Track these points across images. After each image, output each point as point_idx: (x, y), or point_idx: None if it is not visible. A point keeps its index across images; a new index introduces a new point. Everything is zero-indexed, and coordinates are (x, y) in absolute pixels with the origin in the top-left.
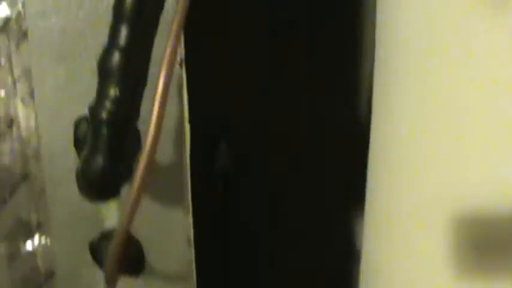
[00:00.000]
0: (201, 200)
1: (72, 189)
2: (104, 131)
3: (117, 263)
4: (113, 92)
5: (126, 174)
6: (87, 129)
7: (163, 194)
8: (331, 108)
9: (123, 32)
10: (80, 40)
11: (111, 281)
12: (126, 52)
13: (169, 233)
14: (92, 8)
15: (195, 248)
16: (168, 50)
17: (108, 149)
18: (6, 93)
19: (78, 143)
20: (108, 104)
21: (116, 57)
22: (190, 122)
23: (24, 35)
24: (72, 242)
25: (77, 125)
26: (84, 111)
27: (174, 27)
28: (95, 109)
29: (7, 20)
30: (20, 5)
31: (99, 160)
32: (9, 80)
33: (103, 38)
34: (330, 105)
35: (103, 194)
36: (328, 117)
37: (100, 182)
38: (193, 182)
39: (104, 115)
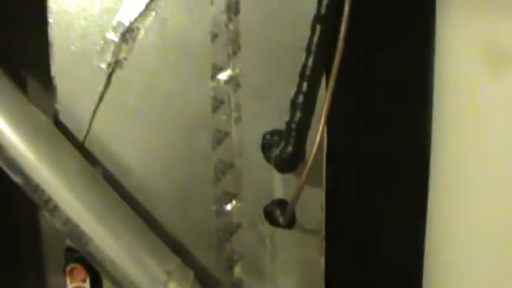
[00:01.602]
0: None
1: (256, 173)
2: (293, 133)
3: (290, 216)
4: (298, 114)
5: (302, 158)
6: (269, 138)
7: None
8: None
9: (308, 72)
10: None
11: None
12: (307, 93)
13: (310, 202)
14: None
15: (326, 213)
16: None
17: (294, 143)
18: (227, 116)
19: (263, 147)
20: (295, 120)
21: (300, 98)
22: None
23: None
24: (253, 206)
25: (264, 136)
26: (266, 124)
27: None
28: (289, 122)
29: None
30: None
31: (290, 149)
32: (229, 112)
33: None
34: None
35: (291, 168)
36: None
37: (290, 161)
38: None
39: (294, 125)
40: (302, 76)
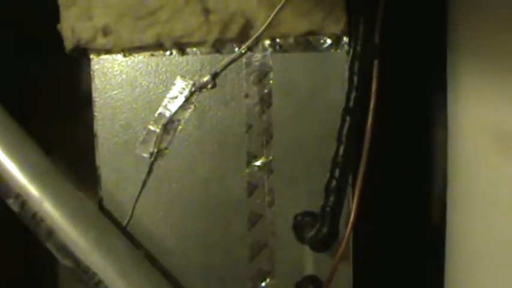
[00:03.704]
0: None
1: (288, 252)
2: (328, 215)
3: None
4: (332, 198)
5: (336, 238)
6: (300, 219)
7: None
8: None
9: (339, 159)
10: None
11: None
12: (339, 178)
13: (338, 279)
14: None
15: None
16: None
17: (329, 225)
18: (261, 200)
19: (295, 227)
20: (330, 203)
21: (334, 182)
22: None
23: None
24: (286, 283)
25: (295, 218)
26: (297, 207)
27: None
28: (323, 205)
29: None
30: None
31: (325, 230)
32: (263, 196)
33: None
34: None
35: (326, 247)
36: None
37: (325, 241)
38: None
39: (328, 208)
40: (334, 163)
